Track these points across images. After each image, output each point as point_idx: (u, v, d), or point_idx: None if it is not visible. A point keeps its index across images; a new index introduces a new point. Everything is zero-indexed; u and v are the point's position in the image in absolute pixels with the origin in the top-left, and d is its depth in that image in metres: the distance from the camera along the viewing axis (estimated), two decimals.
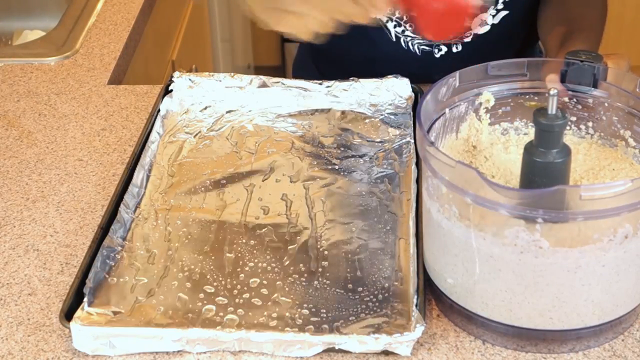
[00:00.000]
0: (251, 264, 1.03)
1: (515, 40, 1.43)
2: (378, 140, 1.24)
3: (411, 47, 1.37)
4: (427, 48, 1.38)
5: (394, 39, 1.38)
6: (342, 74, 1.34)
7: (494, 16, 1.35)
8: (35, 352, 0.95)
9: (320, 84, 1.32)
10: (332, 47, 1.47)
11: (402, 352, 0.91)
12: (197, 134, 1.27)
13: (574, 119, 1.05)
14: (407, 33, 1.36)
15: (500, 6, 1.35)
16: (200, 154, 1.23)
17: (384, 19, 1.36)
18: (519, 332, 0.93)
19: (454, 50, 1.38)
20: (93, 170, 1.24)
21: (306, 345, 0.92)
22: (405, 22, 1.35)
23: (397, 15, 1.35)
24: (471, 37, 1.37)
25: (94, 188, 1.20)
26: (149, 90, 1.42)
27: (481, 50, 1.38)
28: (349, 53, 1.44)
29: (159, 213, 1.12)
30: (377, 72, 1.32)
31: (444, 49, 1.37)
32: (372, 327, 0.94)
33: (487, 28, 1.36)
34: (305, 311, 0.96)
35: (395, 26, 1.36)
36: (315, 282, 1.00)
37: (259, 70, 3.37)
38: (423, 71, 1.33)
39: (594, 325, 0.92)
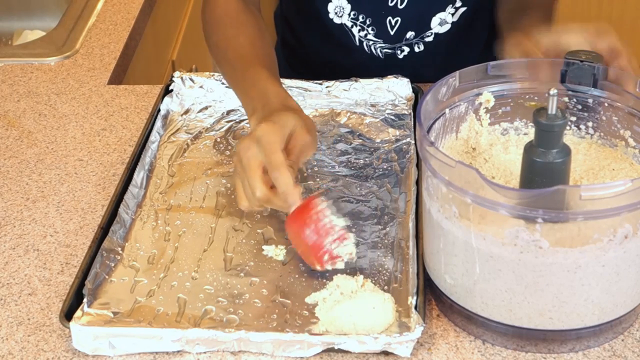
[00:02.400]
0: (251, 264, 1.03)
1: (478, 37, 1.42)
2: (378, 140, 1.24)
3: (374, 51, 1.38)
4: (389, 51, 1.38)
5: (358, 43, 1.38)
6: (310, 72, 1.38)
7: (453, 14, 1.35)
8: (35, 352, 0.95)
9: (321, 84, 1.32)
10: (301, 47, 1.47)
11: (402, 353, 0.91)
12: (197, 134, 1.27)
13: (574, 119, 1.05)
14: (369, 37, 1.37)
15: (458, 3, 1.35)
16: (200, 154, 1.23)
17: (349, 24, 1.37)
18: (519, 332, 0.93)
19: (416, 49, 1.38)
20: (93, 170, 1.24)
21: (305, 345, 0.92)
22: (368, 26, 1.36)
23: (360, 19, 1.35)
24: (432, 36, 1.37)
25: (94, 188, 1.20)
26: (149, 90, 1.42)
27: (444, 49, 1.38)
28: (316, 54, 1.45)
29: (159, 213, 1.12)
30: (343, 74, 1.33)
31: (406, 49, 1.38)
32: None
33: (447, 27, 1.36)
34: (305, 312, 0.96)
35: (359, 30, 1.37)
36: (315, 282, 1.00)
37: None
38: (388, 73, 1.33)
39: (594, 325, 0.92)
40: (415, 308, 0.94)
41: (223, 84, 1.33)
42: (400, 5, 1.34)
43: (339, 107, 1.32)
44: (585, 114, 1.04)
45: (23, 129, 1.34)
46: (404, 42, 1.37)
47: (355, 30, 1.37)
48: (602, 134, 1.04)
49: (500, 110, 1.05)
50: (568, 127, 1.05)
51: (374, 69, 1.38)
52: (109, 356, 0.94)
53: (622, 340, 0.95)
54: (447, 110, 1.01)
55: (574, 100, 1.03)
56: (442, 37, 1.36)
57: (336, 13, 1.37)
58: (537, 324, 0.92)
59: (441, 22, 1.35)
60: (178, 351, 0.94)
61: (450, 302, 0.96)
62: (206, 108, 1.32)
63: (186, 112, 1.31)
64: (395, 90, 1.31)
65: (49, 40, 1.61)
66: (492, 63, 1.02)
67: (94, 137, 1.31)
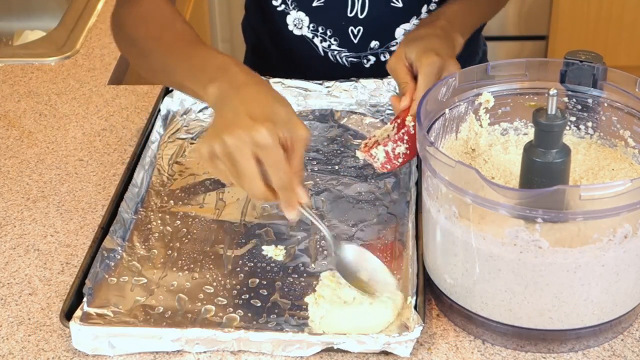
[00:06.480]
0: (250, 264, 1.04)
1: None
2: None
3: (339, 60, 1.37)
4: (355, 60, 1.37)
5: (322, 54, 1.38)
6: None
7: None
8: (35, 352, 0.95)
9: (321, 84, 1.32)
10: (270, 57, 1.46)
11: (401, 353, 0.91)
12: (197, 134, 1.27)
13: (573, 119, 1.05)
14: (333, 47, 1.36)
15: (424, 15, 1.34)
16: None
17: (310, 35, 1.36)
18: (519, 332, 0.93)
19: (382, 59, 1.37)
20: (93, 170, 1.24)
21: (305, 345, 0.92)
22: (330, 37, 1.35)
23: (321, 30, 1.35)
24: (397, 46, 1.35)
25: (95, 188, 1.20)
26: (149, 90, 1.42)
27: None
28: (284, 63, 1.43)
29: (159, 213, 1.12)
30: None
31: (372, 58, 1.37)
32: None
33: None
34: (305, 312, 0.96)
35: (321, 41, 1.36)
36: (315, 282, 1.00)
37: None
38: None
39: (594, 325, 0.92)
40: (415, 308, 0.94)
41: None
42: (361, 14, 1.33)
43: (339, 107, 1.32)
44: (585, 114, 1.04)
45: (23, 129, 1.34)
46: (369, 52, 1.36)
47: (317, 41, 1.36)
48: (601, 134, 1.04)
49: (500, 111, 1.05)
50: (568, 127, 1.05)
51: (341, 78, 1.35)
52: (109, 356, 0.94)
53: (622, 340, 0.95)
54: (446, 111, 1.01)
55: (574, 100, 1.03)
56: None
57: (295, 25, 1.36)
58: (537, 324, 0.92)
59: (406, 33, 1.34)
60: (178, 351, 0.94)
61: (450, 302, 0.96)
62: (206, 108, 1.32)
63: (186, 112, 1.31)
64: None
65: (49, 41, 1.61)
66: (492, 63, 1.03)
67: (95, 137, 1.31)
